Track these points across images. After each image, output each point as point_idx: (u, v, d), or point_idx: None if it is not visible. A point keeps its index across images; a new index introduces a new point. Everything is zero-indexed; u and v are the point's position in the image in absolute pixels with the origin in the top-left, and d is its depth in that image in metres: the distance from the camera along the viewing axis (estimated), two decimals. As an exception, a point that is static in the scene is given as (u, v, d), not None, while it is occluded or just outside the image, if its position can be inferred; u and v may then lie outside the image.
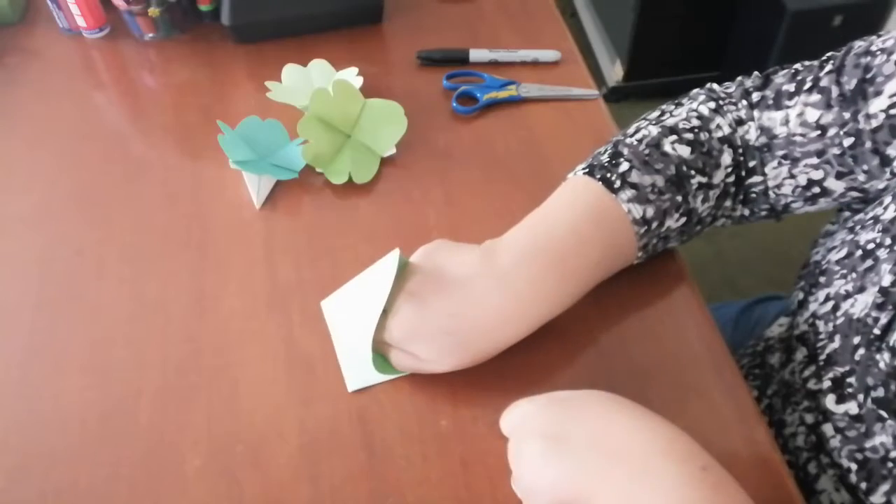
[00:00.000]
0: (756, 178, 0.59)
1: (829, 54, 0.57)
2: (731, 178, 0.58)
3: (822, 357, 0.54)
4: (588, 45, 2.14)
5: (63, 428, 0.53)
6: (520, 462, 0.46)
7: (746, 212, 0.61)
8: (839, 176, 0.56)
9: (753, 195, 0.60)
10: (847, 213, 0.59)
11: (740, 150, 0.58)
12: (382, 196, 0.69)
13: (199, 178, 0.70)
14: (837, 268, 0.54)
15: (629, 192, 0.54)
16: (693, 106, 0.59)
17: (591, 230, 0.53)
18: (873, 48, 0.53)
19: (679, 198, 0.55)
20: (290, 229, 0.66)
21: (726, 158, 0.57)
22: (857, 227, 0.55)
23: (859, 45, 0.55)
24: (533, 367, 0.55)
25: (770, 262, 1.60)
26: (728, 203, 0.59)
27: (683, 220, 0.56)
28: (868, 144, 0.53)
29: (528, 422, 0.46)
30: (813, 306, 0.56)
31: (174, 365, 0.56)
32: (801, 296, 0.58)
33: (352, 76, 0.75)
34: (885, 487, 0.48)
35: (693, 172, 0.55)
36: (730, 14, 1.85)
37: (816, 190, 0.58)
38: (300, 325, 0.58)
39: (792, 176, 0.57)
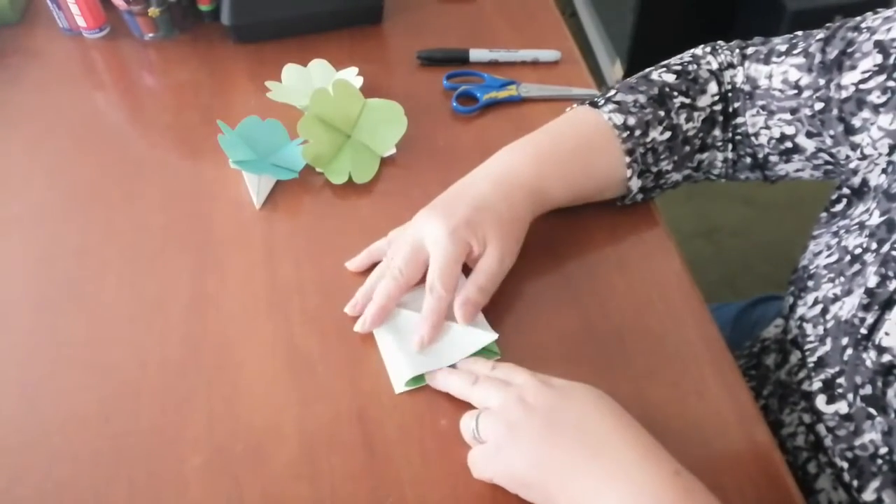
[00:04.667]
0: (740, 119, 0.63)
1: (827, 24, 0.60)
2: (718, 107, 0.63)
3: (813, 359, 0.55)
4: (588, 45, 2.14)
5: (63, 427, 0.53)
6: (507, 422, 0.47)
7: (733, 155, 0.65)
8: (809, 135, 0.60)
9: (738, 137, 0.64)
10: (824, 215, 0.60)
11: (728, 86, 0.63)
12: (382, 196, 0.69)
13: (199, 178, 0.70)
14: (825, 272, 0.55)
15: (611, 106, 0.62)
16: (691, 50, 0.66)
17: (567, 129, 0.63)
18: (862, 25, 0.57)
19: (661, 112, 0.61)
20: (290, 229, 0.66)
21: (713, 87, 0.63)
22: (842, 232, 0.56)
23: (854, 20, 0.58)
24: (532, 367, 0.55)
25: (770, 262, 1.60)
26: (717, 133, 0.64)
27: (668, 134, 0.61)
28: (835, 112, 0.56)
29: (527, 390, 0.48)
30: (802, 310, 0.57)
31: (174, 364, 0.56)
32: (791, 300, 0.58)
33: (352, 76, 0.75)
34: (875, 484, 0.49)
35: (675, 93, 0.62)
36: (729, 14, 1.85)
37: (789, 145, 0.61)
38: (300, 325, 0.58)
39: (767, 127, 0.62)
